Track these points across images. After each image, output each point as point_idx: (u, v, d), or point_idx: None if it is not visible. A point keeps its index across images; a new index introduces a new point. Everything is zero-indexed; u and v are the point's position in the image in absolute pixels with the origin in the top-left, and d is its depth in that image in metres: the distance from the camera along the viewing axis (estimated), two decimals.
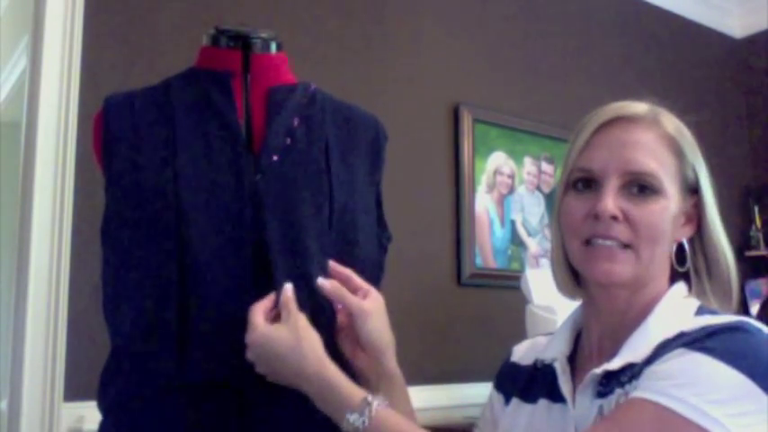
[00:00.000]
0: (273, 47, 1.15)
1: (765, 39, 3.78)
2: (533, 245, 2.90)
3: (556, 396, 0.97)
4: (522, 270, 2.72)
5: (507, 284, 2.69)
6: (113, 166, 1.06)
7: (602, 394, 0.90)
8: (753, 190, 3.77)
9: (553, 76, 3.09)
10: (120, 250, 1.03)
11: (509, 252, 2.83)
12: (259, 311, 0.97)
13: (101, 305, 1.07)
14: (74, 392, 1.87)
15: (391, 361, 1.05)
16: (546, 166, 2.99)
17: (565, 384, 0.96)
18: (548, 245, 2.89)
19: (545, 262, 2.91)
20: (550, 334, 1.09)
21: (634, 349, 0.90)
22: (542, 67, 3.06)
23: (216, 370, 0.98)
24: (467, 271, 2.67)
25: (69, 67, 1.97)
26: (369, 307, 1.02)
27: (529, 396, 1.02)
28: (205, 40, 1.14)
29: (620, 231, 0.92)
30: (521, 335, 2.44)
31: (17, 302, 1.90)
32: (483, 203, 2.77)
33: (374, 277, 1.12)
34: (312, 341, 0.95)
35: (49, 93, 1.94)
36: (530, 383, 1.03)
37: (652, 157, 0.93)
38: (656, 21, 3.52)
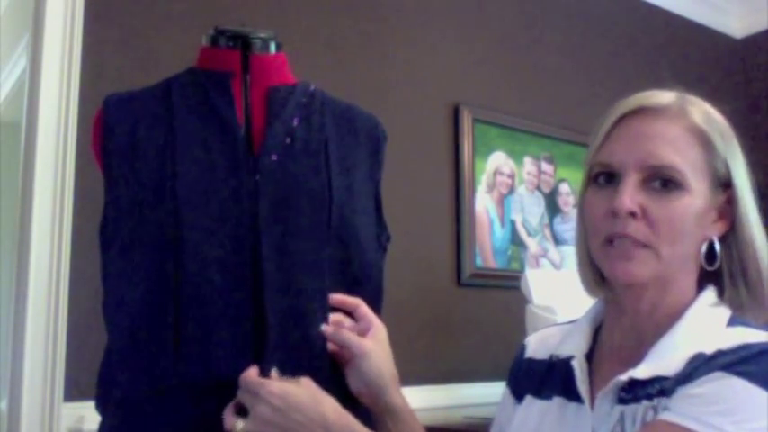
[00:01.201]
0: (273, 47, 1.15)
1: (765, 39, 3.78)
2: (533, 245, 2.90)
3: (571, 394, 0.93)
4: (522, 270, 2.71)
5: (507, 284, 2.69)
6: (112, 166, 1.06)
7: (623, 400, 0.86)
8: (753, 190, 3.76)
9: (553, 76, 3.09)
10: (118, 250, 1.04)
11: (509, 252, 2.83)
12: (254, 374, 0.96)
13: (101, 305, 1.07)
14: (74, 392, 1.86)
15: (395, 396, 1.05)
16: (546, 166, 2.99)
17: (582, 384, 0.92)
18: (547, 245, 2.90)
19: (545, 262, 2.92)
20: (563, 324, 1.06)
21: (662, 358, 0.86)
22: (542, 67, 3.06)
23: (214, 369, 0.98)
24: (467, 271, 2.67)
25: (69, 67, 1.97)
26: (369, 347, 1.03)
27: (542, 392, 0.98)
28: (204, 41, 1.14)
29: (638, 229, 0.87)
30: (521, 335, 2.43)
31: (17, 302, 1.90)
32: (483, 203, 2.77)
33: (374, 278, 1.12)
34: (323, 392, 0.95)
35: (49, 93, 1.94)
36: (544, 379, 0.99)
37: (674, 150, 0.88)
38: (656, 21, 3.52)
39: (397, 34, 2.66)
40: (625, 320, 0.93)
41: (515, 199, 2.87)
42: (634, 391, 0.86)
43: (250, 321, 1.01)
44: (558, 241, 2.98)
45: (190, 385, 0.98)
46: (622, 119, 0.92)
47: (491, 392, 2.58)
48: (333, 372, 1.04)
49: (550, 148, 3.01)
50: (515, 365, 1.08)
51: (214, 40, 1.13)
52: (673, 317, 0.90)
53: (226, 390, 0.99)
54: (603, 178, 0.91)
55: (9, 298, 2.00)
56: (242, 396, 0.95)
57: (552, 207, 2.98)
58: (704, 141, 0.90)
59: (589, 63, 3.23)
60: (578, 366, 0.93)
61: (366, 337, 1.05)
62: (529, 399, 1.01)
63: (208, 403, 0.99)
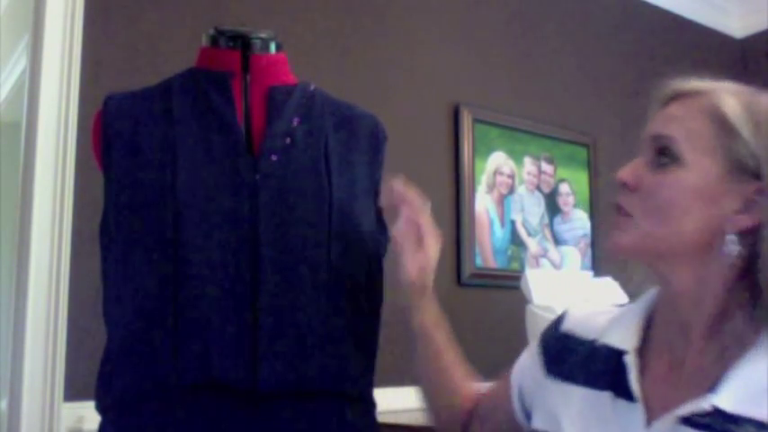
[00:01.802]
0: (273, 47, 1.15)
1: (765, 39, 3.78)
2: (533, 245, 2.90)
3: (621, 390, 0.88)
4: (522, 270, 2.71)
5: (507, 284, 2.69)
6: (112, 165, 1.06)
7: (696, 425, 0.80)
8: None
9: (553, 76, 3.09)
10: (117, 250, 1.04)
11: (509, 252, 2.83)
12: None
13: (101, 305, 1.07)
14: (74, 392, 1.86)
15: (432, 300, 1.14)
16: (546, 166, 2.99)
17: (635, 382, 0.87)
18: (547, 245, 2.90)
19: (545, 262, 2.91)
20: (609, 308, 1.01)
21: (747, 389, 0.79)
22: (542, 67, 3.06)
23: (212, 370, 0.98)
24: (467, 271, 2.67)
25: (69, 67, 1.97)
26: (438, 234, 1.11)
27: (588, 380, 0.94)
28: (204, 41, 1.14)
29: (625, 199, 0.89)
30: (521, 335, 2.43)
31: (17, 302, 1.90)
32: (483, 203, 2.77)
33: (374, 278, 1.12)
34: None
35: (49, 93, 1.94)
36: (588, 364, 0.95)
37: (677, 124, 0.87)
38: (656, 21, 3.52)
39: (397, 34, 2.66)
40: (672, 314, 0.90)
41: (515, 199, 2.87)
42: (711, 417, 0.79)
43: (249, 322, 1.00)
44: (558, 241, 2.98)
45: (189, 386, 0.98)
46: (665, 103, 0.92)
47: None
48: (329, 374, 1.04)
49: (550, 148, 3.01)
50: (550, 334, 1.05)
51: (214, 40, 1.13)
52: (713, 316, 0.85)
53: (224, 391, 0.99)
54: None
55: (9, 298, 2.00)
56: None
57: (552, 207, 2.98)
58: (721, 122, 0.85)
59: (589, 63, 3.23)
60: (631, 363, 0.89)
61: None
62: (564, 378, 0.97)
63: (206, 404, 0.99)
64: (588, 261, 3.04)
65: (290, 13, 2.40)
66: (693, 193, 0.85)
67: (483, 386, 1.13)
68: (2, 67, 3.36)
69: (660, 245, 0.87)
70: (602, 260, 3.03)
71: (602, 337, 0.95)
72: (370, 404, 1.13)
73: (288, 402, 1.01)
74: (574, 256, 3.01)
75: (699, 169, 0.85)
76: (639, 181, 0.88)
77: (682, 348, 0.88)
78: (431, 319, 1.12)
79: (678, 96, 0.91)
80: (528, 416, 1.04)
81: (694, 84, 0.91)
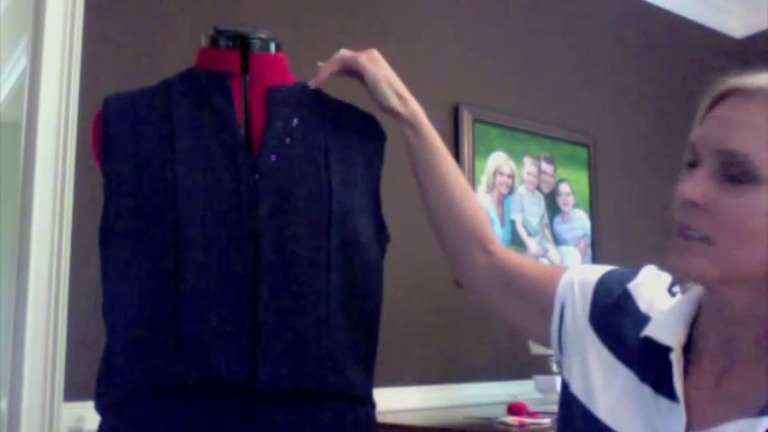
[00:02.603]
0: (272, 47, 1.15)
1: (765, 39, 3.78)
2: (533, 245, 2.90)
3: (663, 388, 0.84)
4: None
5: None
6: (112, 166, 1.06)
7: None
8: None
9: (553, 77, 3.09)
10: (117, 250, 1.04)
11: None
12: None
13: (101, 305, 1.07)
14: (74, 392, 1.86)
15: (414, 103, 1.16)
16: (546, 166, 2.99)
17: (678, 382, 0.83)
18: (547, 245, 2.90)
19: (545, 262, 2.91)
20: (665, 297, 0.94)
21: None
22: (542, 67, 3.06)
23: (212, 370, 0.98)
24: None
25: (69, 67, 1.97)
26: (361, 56, 1.15)
27: (629, 360, 0.89)
28: (204, 41, 1.14)
29: (696, 220, 0.79)
30: (521, 335, 2.44)
31: (17, 302, 1.90)
32: (483, 203, 2.77)
33: (373, 278, 1.12)
34: None
35: (49, 93, 1.94)
36: (631, 343, 0.90)
37: (754, 138, 0.77)
38: (656, 21, 3.52)
39: (397, 34, 2.66)
40: (720, 325, 0.84)
41: (515, 199, 2.87)
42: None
43: (249, 322, 1.00)
44: (557, 241, 2.98)
45: (188, 385, 0.98)
46: (716, 103, 0.84)
47: (491, 392, 2.60)
48: (328, 374, 1.04)
49: (550, 148, 3.01)
50: (614, 280, 0.97)
51: (214, 41, 1.13)
52: (765, 337, 0.80)
53: (224, 390, 0.99)
54: (692, 166, 0.83)
55: (9, 298, 2.00)
56: None
57: (552, 207, 2.98)
58: None
59: (589, 63, 3.23)
60: (676, 361, 0.84)
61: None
62: (608, 347, 0.92)
63: (206, 404, 0.99)
64: (588, 261, 3.04)
65: (290, 13, 2.40)
66: None
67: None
68: (2, 67, 3.36)
69: (737, 271, 0.80)
70: (602, 260, 3.03)
71: (650, 331, 0.88)
72: (370, 404, 1.13)
73: (287, 402, 1.01)
74: (574, 256, 3.01)
75: None
76: (710, 201, 0.79)
77: (727, 360, 0.83)
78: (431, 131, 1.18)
79: (734, 94, 0.82)
80: (560, 345, 0.98)
81: (754, 79, 0.82)
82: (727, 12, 3.81)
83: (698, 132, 0.83)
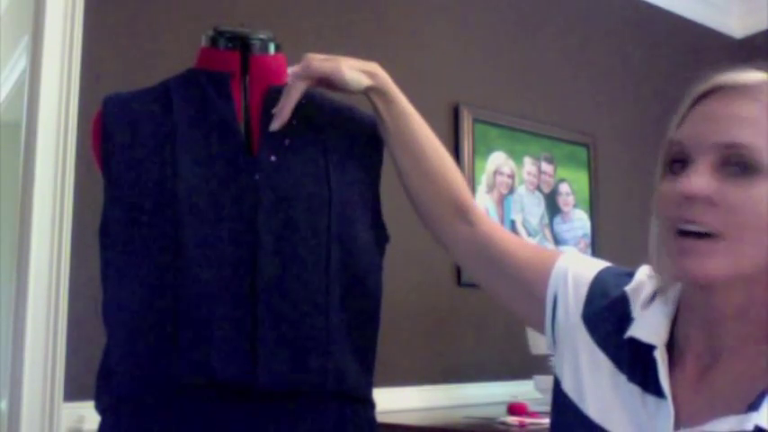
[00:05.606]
0: (272, 48, 1.15)
1: (765, 39, 3.78)
2: None
3: (650, 386, 0.84)
4: None
5: None
6: (112, 166, 1.06)
7: None
8: None
9: (553, 77, 3.09)
10: (117, 251, 1.04)
11: None
12: None
13: (101, 305, 1.07)
14: (74, 392, 1.87)
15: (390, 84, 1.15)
16: (546, 166, 2.99)
17: (665, 379, 0.83)
18: (547, 245, 2.90)
19: None
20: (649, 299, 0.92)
21: None
22: (543, 67, 3.06)
23: (212, 371, 0.98)
24: None
25: (69, 67, 1.97)
26: (327, 60, 1.10)
27: (618, 357, 0.89)
28: (204, 42, 1.14)
29: (706, 215, 0.76)
30: (521, 335, 2.44)
31: (17, 302, 1.90)
32: (483, 203, 2.77)
33: (373, 278, 1.12)
34: None
35: (49, 93, 1.94)
36: (619, 339, 0.89)
37: (755, 131, 0.77)
38: (656, 21, 3.52)
39: (397, 34, 2.66)
40: (704, 322, 0.84)
41: (515, 199, 2.87)
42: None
43: (248, 322, 1.00)
44: (557, 241, 2.98)
45: (188, 386, 0.98)
46: (699, 101, 0.83)
47: (491, 392, 2.60)
48: (328, 373, 1.04)
49: (550, 148, 3.01)
50: (611, 281, 0.96)
51: (213, 41, 1.13)
52: (753, 334, 0.80)
53: (224, 391, 0.99)
54: (678, 166, 0.81)
55: (9, 298, 2.00)
56: None
57: (552, 207, 2.99)
58: None
59: (589, 63, 3.23)
60: (661, 359, 0.84)
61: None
62: (598, 344, 0.91)
63: (206, 404, 0.99)
64: None
65: (289, 13, 2.40)
66: None
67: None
68: (2, 67, 3.36)
69: (749, 265, 0.77)
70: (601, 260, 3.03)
71: (633, 331, 0.88)
72: (370, 404, 1.13)
73: (287, 402, 1.01)
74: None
75: None
76: (717, 194, 0.77)
77: (710, 358, 0.83)
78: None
79: (719, 91, 0.81)
80: (553, 337, 0.97)
81: (741, 76, 0.82)
82: (727, 12, 3.81)
83: (686, 130, 0.82)
